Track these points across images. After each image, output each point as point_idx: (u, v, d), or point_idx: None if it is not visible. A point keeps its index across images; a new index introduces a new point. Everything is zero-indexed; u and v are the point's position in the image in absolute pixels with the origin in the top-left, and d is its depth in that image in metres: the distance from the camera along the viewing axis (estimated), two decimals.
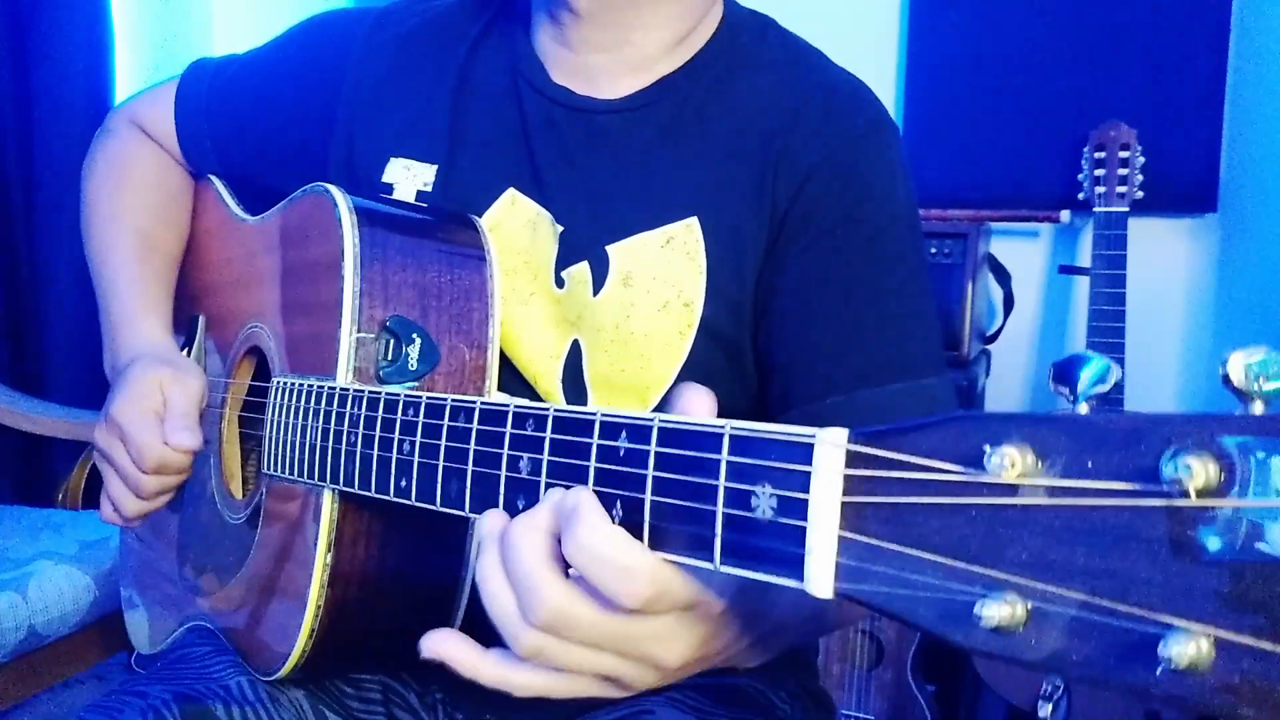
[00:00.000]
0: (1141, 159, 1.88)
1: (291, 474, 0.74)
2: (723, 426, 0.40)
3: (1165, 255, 2.03)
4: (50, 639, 1.47)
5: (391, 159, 0.86)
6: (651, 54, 0.80)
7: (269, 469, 0.78)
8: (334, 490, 0.69)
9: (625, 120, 0.81)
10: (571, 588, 0.45)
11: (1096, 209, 1.87)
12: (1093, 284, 1.82)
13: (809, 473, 0.35)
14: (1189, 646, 0.26)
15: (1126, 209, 1.85)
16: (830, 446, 0.35)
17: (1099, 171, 1.89)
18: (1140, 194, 1.87)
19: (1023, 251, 2.13)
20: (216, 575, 0.87)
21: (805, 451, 0.36)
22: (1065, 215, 2.01)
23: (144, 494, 0.85)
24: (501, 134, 0.84)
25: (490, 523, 0.50)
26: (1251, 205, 1.93)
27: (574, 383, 0.80)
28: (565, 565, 0.46)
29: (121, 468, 0.85)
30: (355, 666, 0.83)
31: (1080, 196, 1.93)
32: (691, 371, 0.78)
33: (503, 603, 0.47)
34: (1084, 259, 2.00)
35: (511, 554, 0.47)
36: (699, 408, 0.47)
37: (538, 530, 0.47)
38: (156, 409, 0.84)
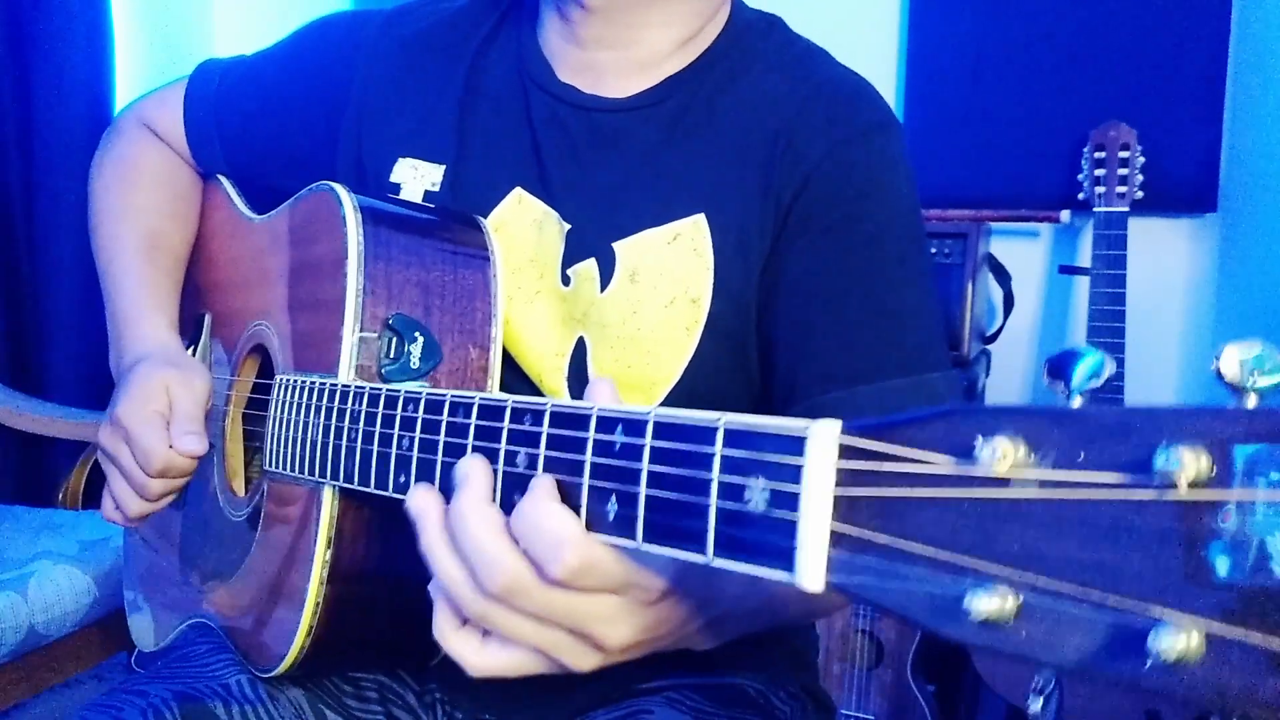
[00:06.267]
0: (1141, 159, 1.87)
1: (293, 471, 0.74)
2: (717, 420, 0.40)
3: (1165, 255, 2.02)
4: (50, 639, 1.48)
5: (400, 159, 0.86)
6: (660, 52, 0.81)
7: (270, 466, 0.78)
8: (334, 487, 0.69)
9: (632, 119, 0.81)
10: (523, 558, 0.48)
11: (1096, 209, 1.87)
12: (1093, 284, 1.82)
13: (801, 465, 0.35)
14: (1178, 639, 0.26)
15: (1126, 209, 1.85)
16: (823, 439, 0.35)
17: (1099, 171, 1.88)
18: (1140, 194, 1.87)
19: (1023, 251, 2.13)
20: (217, 572, 0.87)
21: (798, 444, 0.36)
22: (1065, 215, 2.01)
23: (149, 496, 0.85)
24: (508, 133, 0.84)
25: (422, 500, 0.53)
26: (1251, 205, 1.93)
27: (579, 380, 0.80)
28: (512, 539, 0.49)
29: (126, 470, 0.85)
30: (354, 665, 0.83)
31: (1080, 196, 1.93)
32: (697, 368, 0.78)
33: (453, 574, 0.50)
34: (1084, 259, 2.00)
35: (463, 528, 0.50)
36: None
37: (487, 504, 0.50)
38: (162, 411, 0.84)
